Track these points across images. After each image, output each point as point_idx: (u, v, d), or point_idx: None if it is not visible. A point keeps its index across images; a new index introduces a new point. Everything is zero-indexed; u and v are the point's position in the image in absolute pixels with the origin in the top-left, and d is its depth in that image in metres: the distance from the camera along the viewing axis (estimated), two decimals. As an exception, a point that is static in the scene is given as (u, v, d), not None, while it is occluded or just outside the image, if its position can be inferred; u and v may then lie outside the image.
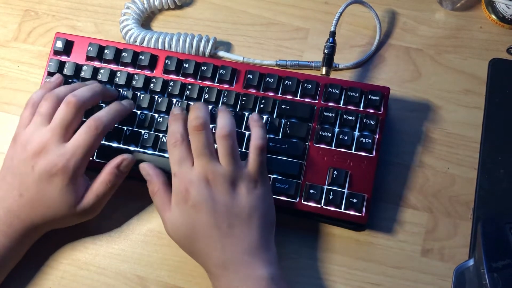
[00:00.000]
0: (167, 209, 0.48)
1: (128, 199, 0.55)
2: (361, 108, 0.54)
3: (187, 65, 0.56)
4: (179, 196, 0.47)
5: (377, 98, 0.53)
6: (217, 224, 0.45)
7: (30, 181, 0.48)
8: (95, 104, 0.53)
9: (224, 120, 0.48)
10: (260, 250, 0.46)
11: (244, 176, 0.47)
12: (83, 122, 0.50)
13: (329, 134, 0.53)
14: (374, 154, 0.52)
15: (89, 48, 0.57)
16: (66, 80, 0.57)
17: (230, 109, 0.54)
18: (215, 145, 0.48)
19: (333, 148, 0.53)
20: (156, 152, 0.54)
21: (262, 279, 0.45)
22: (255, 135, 0.49)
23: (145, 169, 0.51)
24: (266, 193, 0.48)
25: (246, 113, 0.54)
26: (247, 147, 0.52)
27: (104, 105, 0.55)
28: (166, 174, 0.50)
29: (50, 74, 0.57)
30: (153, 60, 0.57)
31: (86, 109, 0.51)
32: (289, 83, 0.54)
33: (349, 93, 0.54)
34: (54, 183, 0.48)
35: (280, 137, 0.53)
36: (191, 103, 0.55)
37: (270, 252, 0.47)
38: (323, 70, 0.56)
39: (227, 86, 0.56)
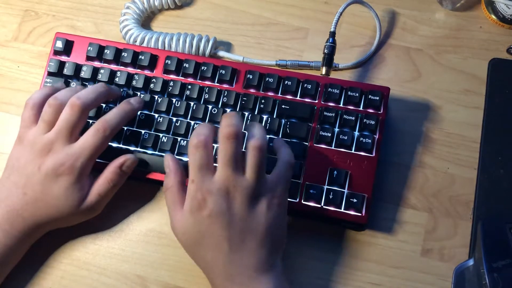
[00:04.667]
0: (177, 209, 0.47)
1: (129, 199, 0.55)
2: (361, 108, 0.54)
3: (187, 65, 0.56)
4: (194, 203, 0.45)
5: (377, 98, 0.53)
6: (230, 237, 0.45)
7: (36, 180, 0.48)
8: (100, 105, 0.53)
9: (259, 131, 0.46)
10: (267, 266, 0.45)
11: (266, 192, 0.46)
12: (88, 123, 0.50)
13: (329, 134, 0.53)
14: (374, 154, 0.52)
15: (89, 48, 0.57)
16: (66, 80, 0.57)
17: (230, 109, 0.54)
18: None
19: (333, 148, 0.53)
20: (156, 152, 0.54)
21: None
22: (287, 151, 0.48)
23: (167, 160, 0.49)
24: (283, 211, 0.47)
25: (246, 113, 0.54)
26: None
27: (112, 104, 0.55)
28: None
29: (50, 74, 0.57)
30: (153, 60, 0.57)
31: (91, 110, 0.51)
32: (289, 83, 0.54)
33: (349, 93, 0.54)
34: (59, 183, 0.48)
35: (280, 137, 0.53)
36: (191, 102, 0.55)
37: (276, 268, 0.46)
38: (323, 70, 0.56)
39: (227, 86, 0.56)
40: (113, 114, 0.51)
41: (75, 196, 0.49)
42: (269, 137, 0.53)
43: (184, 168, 0.49)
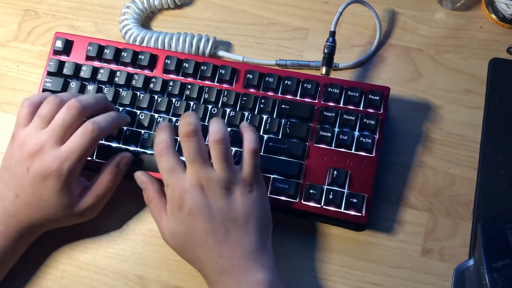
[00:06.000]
0: (163, 216, 0.48)
1: (128, 199, 0.55)
2: (361, 108, 0.54)
3: (187, 65, 0.56)
4: (174, 205, 0.46)
5: (377, 98, 0.53)
6: (214, 230, 0.45)
7: (25, 182, 0.48)
8: (96, 114, 0.53)
9: (216, 126, 0.47)
10: (257, 254, 0.46)
11: (238, 181, 0.47)
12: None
13: (329, 134, 0.53)
14: (374, 154, 0.52)
15: (88, 47, 0.57)
16: (66, 80, 0.57)
17: (229, 109, 0.54)
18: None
19: (333, 148, 0.53)
20: (156, 152, 0.54)
21: (260, 283, 0.45)
22: (248, 138, 0.48)
23: (140, 177, 0.51)
24: (261, 196, 0.48)
25: (246, 113, 0.54)
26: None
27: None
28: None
29: (50, 73, 0.57)
30: (153, 59, 0.57)
31: (87, 117, 0.50)
32: (289, 82, 0.54)
33: (349, 93, 0.54)
34: (48, 186, 0.47)
35: (280, 137, 0.53)
36: (191, 102, 0.55)
37: (267, 255, 0.47)
38: (323, 70, 0.56)
39: (227, 86, 0.56)
40: (103, 117, 0.50)
41: (65, 199, 0.48)
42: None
43: (158, 180, 0.51)
